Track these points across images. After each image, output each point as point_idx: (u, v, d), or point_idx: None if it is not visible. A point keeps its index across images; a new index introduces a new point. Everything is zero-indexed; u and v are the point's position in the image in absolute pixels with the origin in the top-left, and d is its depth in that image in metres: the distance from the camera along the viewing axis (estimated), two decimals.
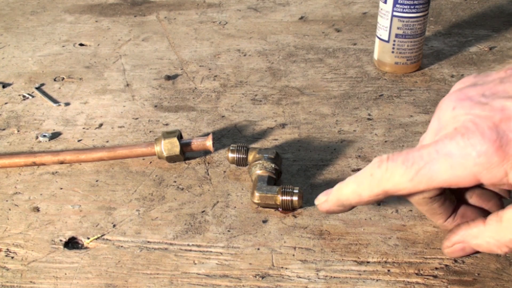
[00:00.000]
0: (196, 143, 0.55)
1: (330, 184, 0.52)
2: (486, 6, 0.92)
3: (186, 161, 0.56)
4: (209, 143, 0.55)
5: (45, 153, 0.55)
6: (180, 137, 0.55)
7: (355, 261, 0.44)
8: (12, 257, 0.45)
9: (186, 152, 0.56)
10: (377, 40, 0.71)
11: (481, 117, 0.35)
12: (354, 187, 0.41)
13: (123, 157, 0.55)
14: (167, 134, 0.55)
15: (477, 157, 0.34)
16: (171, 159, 0.55)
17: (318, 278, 0.43)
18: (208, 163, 0.56)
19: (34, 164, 0.55)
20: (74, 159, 0.55)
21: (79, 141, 0.59)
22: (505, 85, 0.36)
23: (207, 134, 0.57)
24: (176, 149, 0.54)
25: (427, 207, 0.41)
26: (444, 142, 0.36)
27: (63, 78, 0.72)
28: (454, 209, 0.42)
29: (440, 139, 0.37)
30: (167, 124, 0.62)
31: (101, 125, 0.62)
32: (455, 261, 0.44)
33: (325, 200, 0.43)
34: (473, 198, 0.42)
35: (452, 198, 0.41)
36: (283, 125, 0.61)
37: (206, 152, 0.57)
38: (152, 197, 0.51)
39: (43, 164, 0.55)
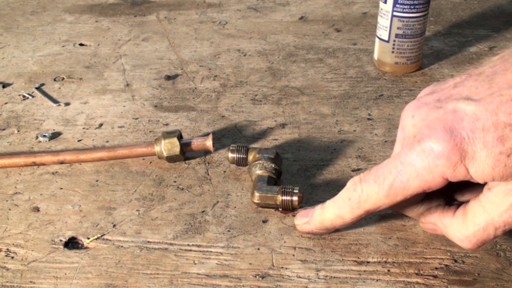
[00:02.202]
0: (196, 143, 0.55)
1: (330, 184, 0.52)
2: (486, 6, 0.92)
3: (186, 161, 0.56)
4: (209, 143, 0.55)
5: (45, 153, 0.55)
6: (180, 137, 0.55)
7: (355, 261, 0.44)
8: (12, 257, 0.45)
9: (186, 152, 0.56)
10: (377, 40, 0.71)
11: (435, 120, 0.37)
12: (336, 211, 0.43)
13: (123, 157, 0.55)
14: (167, 134, 0.55)
15: (436, 158, 0.36)
16: (171, 159, 0.55)
17: (318, 278, 0.43)
18: (208, 163, 0.56)
19: (34, 164, 0.55)
20: (74, 159, 0.55)
21: (79, 141, 0.59)
22: (458, 88, 0.38)
23: (207, 134, 0.57)
24: (176, 149, 0.54)
25: (415, 210, 0.43)
26: (406, 152, 0.38)
27: (63, 78, 0.72)
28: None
29: (402, 150, 0.39)
30: (167, 124, 0.62)
31: (101, 125, 0.62)
32: (455, 261, 0.44)
33: (306, 222, 0.46)
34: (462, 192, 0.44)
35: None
36: (283, 125, 0.61)
37: (206, 152, 0.57)
38: (152, 197, 0.51)
39: (43, 164, 0.55)
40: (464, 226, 0.39)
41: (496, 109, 0.35)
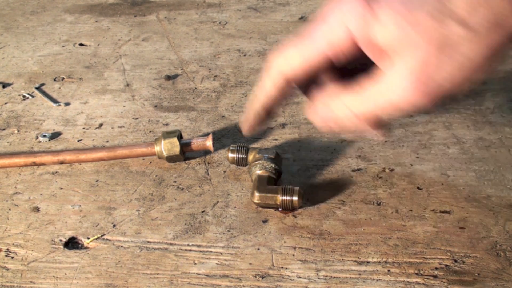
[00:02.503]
0: (196, 143, 0.55)
1: (330, 184, 0.52)
2: None
3: (186, 161, 0.56)
4: (209, 143, 0.55)
5: (45, 153, 0.55)
6: (180, 137, 0.55)
7: (355, 261, 0.44)
8: (12, 257, 0.45)
9: (186, 152, 0.56)
10: None
11: None
12: (261, 89, 0.45)
13: (123, 157, 0.55)
14: (167, 134, 0.55)
15: (343, 4, 0.38)
16: (171, 159, 0.55)
17: (318, 278, 0.43)
18: (208, 163, 0.56)
19: (34, 164, 0.55)
20: (74, 159, 0.55)
21: (79, 141, 0.59)
22: None
23: (207, 134, 0.57)
24: (176, 149, 0.54)
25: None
26: (323, 11, 0.39)
27: (63, 78, 0.72)
28: None
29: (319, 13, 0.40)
30: (167, 124, 0.62)
31: (101, 125, 0.62)
32: (455, 261, 0.44)
33: (244, 121, 0.46)
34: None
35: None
36: (283, 125, 0.61)
37: (206, 152, 0.57)
38: (152, 197, 0.51)
39: (43, 164, 0.55)
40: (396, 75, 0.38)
41: None
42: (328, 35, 0.38)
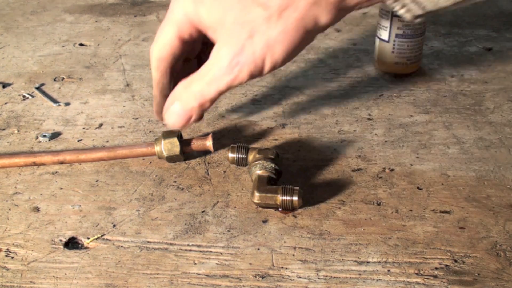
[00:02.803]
0: (196, 143, 0.55)
1: (330, 184, 0.52)
2: (486, 6, 0.92)
3: (186, 161, 0.56)
4: (209, 143, 0.55)
5: (45, 153, 0.55)
6: (180, 137, 0.55)
7: (355, 261, 0.44)
8: (12, 257, 0.45)
9: (186, 152, 0.56)
10: (377, 40, 0.71)
11: None
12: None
13: (123, 157, 0.55)
14: (167, 134, 0.55)
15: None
16: (171, 159, 0.55)
17: (318, 278, 0.43)
18: (208, 163, 0.56)
19: (34, 164, 0.55)
20: (74, 159, 0.55)
21: (79, 141, 0.59)
22: None
23: (207, 134, 0.57)
24: (176, 149, 0.54)
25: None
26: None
27: (63, 78, 0.72)
28: None
29: None
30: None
31: (101, 125, 0.62)
32: (455, 261, 0.44)
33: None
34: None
35: None
36: (283, 125, 0.62)
37: (206, 152, 0.57)
38: (152, 197, 0.51)
39: (43, 164, 0.55)
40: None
41: None
42: (174, 19, 0.46)
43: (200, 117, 0.50)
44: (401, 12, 0.43)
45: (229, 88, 0.46)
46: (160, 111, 0.53)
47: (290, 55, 0.44)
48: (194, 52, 0.52)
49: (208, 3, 0.44)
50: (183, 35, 0.47)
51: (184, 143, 0.55)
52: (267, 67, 0.44)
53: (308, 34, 0.44)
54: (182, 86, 0.49)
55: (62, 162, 0.55)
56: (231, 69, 0.44)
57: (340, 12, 0.44)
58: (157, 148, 0.54)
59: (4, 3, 0.97)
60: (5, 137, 0.60)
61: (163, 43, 0.48)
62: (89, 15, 0.91)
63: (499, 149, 0.57)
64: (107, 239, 0.47)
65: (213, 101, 0.48)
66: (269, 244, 0.46)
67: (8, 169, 0.55)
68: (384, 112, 0.64)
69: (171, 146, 0.54)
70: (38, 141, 0.59)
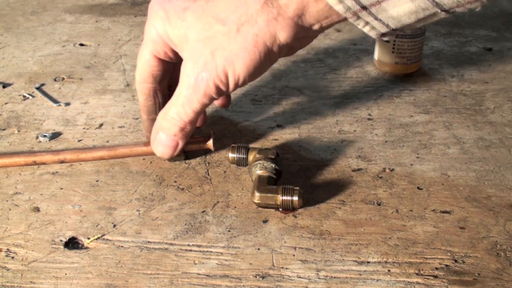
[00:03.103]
0: (197, 143, 0.55)
1: (330, 184, 0.52)
2: (486, 6, 0.92)
3: (186, 161, 0.56)
4: (209, 142, 0.55)
5: (46, 152, 0.55)
6: None
7: (355, 261, 0.44)
8: (12, 257, 0.45)
9: (187, 151, 0.56)
10: (377, 40, 0.71)
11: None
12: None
13: (123, 156, 0.55)
14: None
15: (153, 14, 0.47)
16: (171, 158, 0.55)
17: (319, 278, 0.43)
18: (208, 163, 0.56)
19: (35, 163, 0.55)
20: (74, 159, 0.55)
21: (79, 141, 0.59)
22: None
23: (207, 134, 0.57)
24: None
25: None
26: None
27: (63, 78, 0.72)
28: None
29: None
30: None
31: (101, 125, 0.62)
32: (455, 261, 0.44)
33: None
34: None
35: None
36: (283, 125, 0.62)
37: (206, 152, 0.57)
38: (152, 197, 0.51)
39: (44, 164, 0.55)
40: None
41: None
42: (148, 39, 0.48)
43: (187, 140, 0.51)
44: (365, 30, 0.42)
45: (203, 106, 0.48)
46: (149, 135, 0.54)
47: (252, 72, 0.45)
48: (176, 77, 0.51)
49: (173, 21, 0.46)
50: (158, 54, 0.49)
51: (186, 144, 0.55)
52: (230, 83, 0.45)
53: (269, 51, 0.44)
54: (161, 115, 0.50)
55: (62, 162, 0.55)
56: (198, 85, 0.46)
57: (300, 30, 0.44)
58: None
59: (4, 3, 0.97)
60: (5, 137, 0.60)
61: (142, 64, 0.50)
62: (89, 15, 0.91)
63: (499, 149, 0.57)
64: (107, 239, 0.47)
65: (192, 122, 0.50)
66: (269, 244, 0.46)
67: (8, 169, 0.55)
68: (384, 112, 0.64)
69: None
70: (38, 141, 0.59)
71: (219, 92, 0.46)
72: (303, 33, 0.45)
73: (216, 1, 0.44)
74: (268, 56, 0.45)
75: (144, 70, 0.50)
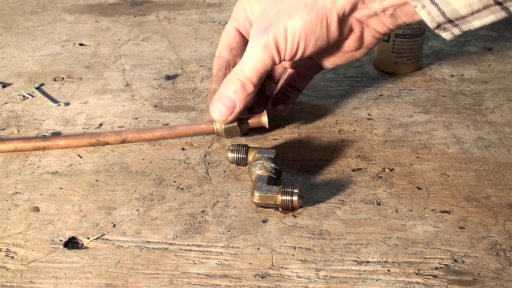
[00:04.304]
0: (253, 120, 0.56)
1: (330, 184, 0.52)
2: None
3: (186, 161, 0.56)
4: (265, 118, 0.56)
5: (108, 132, 0.57)
6: None
7: (355, 261, 0.44)
8: (12, 257, 0.45)
9: (242, 128, 0.56)
10: None
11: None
12: None
13: (183, 135, 0.57)
14: None
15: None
16: (228, 131, 0.55)
17: (318, 278, 0.43)
18: (208, 163, 0.56)
19: (98, 142, 0.57)
20: (136, 138, 0.57)
21: None
22: None
23: (261, 111, 0.57)
24: (234, 124, 0.54)
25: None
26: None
27: (63, 78, 0.72)
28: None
29: None
30: (167, 124, 0.62)
31: (101, 125, 0.62)
32: (455, 261, 0.44)
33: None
34: None
35: None
36: (283, 125, 0.61)
37: (206, 152, 0.57)
38: (152, 197, 0.51)
39: (107, 143, 0.57)
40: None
41: None
42: (234, 15, 0.56)
43: (245, 106, 0.53)
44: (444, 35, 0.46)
45: (264, 65, 0.50)
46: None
47: (308, 31, 0.48)
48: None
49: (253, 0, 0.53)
50: (239, 25, 0.56)
51: (241, 120, 0.55)
52: (289, 39, 0.48)
53: (326, 14, 0.47)
54: (226, 77, 0.53)
55: (124, 141, 0.57)
56: (260, 39, 0.49)
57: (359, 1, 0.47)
58: (216, 125, 0.55)
59: (4, 3, 0.97)
60: (5, 137, 0.60)
61: (222, 37, 0.57)
62: (89, 15, 0.91)
63: (499, 149, 0.57)
64: (107, 239, 0.47)
65: (254, 84, 0.51)
66: (269, 244, 0.46)
67: (8, 169, 0.55)
68: (384, 112, 0.64)
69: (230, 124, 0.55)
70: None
71: (278, 50, 0.49)
72: (364, 9, 0.47)
73: None
74: (325, 20, 0.47)
75: (223, 41, 0.56)
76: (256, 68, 0.50)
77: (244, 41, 0.56)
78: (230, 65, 0.56)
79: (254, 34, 0.50)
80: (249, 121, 0.56)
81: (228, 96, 0.52)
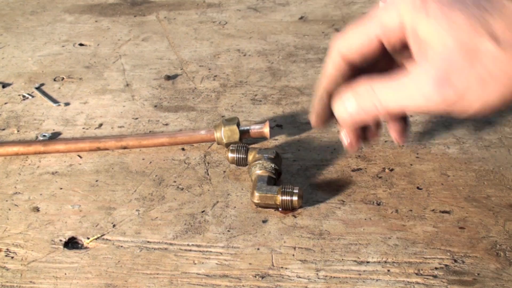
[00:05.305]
0: (254, 130, 0.57)
1: (330, 184, 0.52)
2: None
3: (186, 161, 0.56)
4: (266, 130, 0.57)
5: (109, 138, 0.57)
6: (238, 125, 0.57)
7: (355, 261, 0.44)
8: (12, 257, 0.45)
9: (244, 139, 0.57)
10: None
11: None
12: (322, 72, 0.46)
13: (183, 142, 0.57)
14: (227, 122, 0.56)
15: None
16: (229, 145, 0.55)
17: (318, 278, 0.43)
18: (208, 163, 0.56)
19: (99, 149, 0.57)
20: (136, 145, 0.57)
21: None
22: None
23: (263, 121, 0.57)
24: (236, 136, 0.56)
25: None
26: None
27: (63, 78, 0.72)
28: None
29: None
30: (167, 124, 0.62)
31: (101, 125, 0.62)
32: (455, 261, 0.44)
33: (311, 110, 0.47)
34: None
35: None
36: (283, 125, 0.61)
37: (206, 152, 0.57)
38: (152, 197, 0.51)
39: (107, 149, 0.57)
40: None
41: None
42: (385, 20, 0.41)
43: (375, 125, 0.48)
44: None
45: (419, 111, 0.41)
46: (321, 115, 0.47)
47: (504, 99, 0.38)
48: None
49: (433, 16, 0.38)
50: (385, 39, 0.42)
51: (243, 130, 0.56)
52: (474, 105, 0.39)
53: None
54: (367, 84, 0.43)
55: (125, 147, 0.57)
56: (432, 91, 0.39)
57: None
58: (217, 135, 0.56)
59: (4, 3, 0.97)
60: (5, 137, 0.60)
61: (356, 39, 0.43)
62: (89, 15, 0.91)
63: (499, 149, 0.57)
64: (107, 239, 0.47)
65: (392, 115, 0.46)
66: (269, 244, 0.46)
67: (8, 169, 0.55)
68: None
69: (231, 133, 0.56)
70: (38, 141, 0.59)
71: (449, 106, 0.39)
72: None
73: (492, 9, 0.37)
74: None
75: (356, 46, 0.43)
76: (403, 108, 0.41)
77: (381, 52, 0.43)
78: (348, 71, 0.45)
79: (427, 77, 0.39)
80: (251, 131, 0.57)
81: (362, 107, 0.44)
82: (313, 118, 0.48)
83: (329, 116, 0.47)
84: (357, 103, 0.43)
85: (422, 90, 0.39)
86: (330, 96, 0.46)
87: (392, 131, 0.50)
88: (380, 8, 0.42)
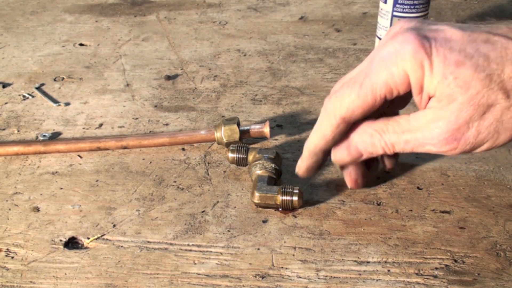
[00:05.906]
0: (254, 130, 0.57)
1: (330, 184, 0.52)
2: (486, 6, 0.92)
3: (186, 161, 0.56)
4: (266, 129, 0.56)
5: (109, 138, 0.57)
6: (239, 125, 0.57)
7: (355, 261, 0.44)
8: (12, 257, 0.45)
9: (244, 138, 0.57)
10: (377, 40, 0.71)
11: (411, 28, 0.40)
12: (317, 130, 0.46)
13: (183, 142, 0.57)
14: (227, 121, 0.56)
15: (403, 49, 0.39)
16: (229, 145, 0.56)
17: (318, 278, 0.43)
18: (208, 163, 0.56)
19: (99, 149, 0.57)
20: (136, 145, 0.57)
21: None
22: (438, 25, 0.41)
23: (264, 121, 0.57)
24: (236, 136, 0.56)
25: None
26: (378, 50, 0.41)
27: (63, 78, 0.72)
28: None
29: (374, 51, 0.43)
30: (167, 124, 0.62)
31: (101, 125, 0.62)
32: (455, 261, 0.44)
33: (300, 162, 0.48)
34: None
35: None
36: (283, 125, 0.62)
37: (206, 152, 0.57)
38: (152, 197, 0.51)
39: (107, 149, 0.57)
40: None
41: (472, 40, 0.39)
42: (389, 80, 0.40)
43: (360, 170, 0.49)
44: None
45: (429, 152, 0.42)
46: (313, 169, 0.49)
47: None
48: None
49: (437, 70, 0.39)
50: (389, 95, 0.41)
51: (243, 130, 0.57)
52: (481, 149, 0.41)
53: None
54: (375, 131, 0.43)
55: (125, 147, 0.57)
56: (442, 141, 0.40)
57: None
58: (217, 134, 0.56)
59: (4, 3, 0.97)
60: (5, 137, 0.60)
61: (359, 102, 0.42)
62: (89, 15, 0.91)
63: (499, 149, 0.57)
64: (107, 239, 0.47)
65: (396, 154, 0.47)
66: (269, 244, 0.46)
67: (8, 169, 0.55)
68: None
69: (231, 133, 0.56)
70: (38, 141, 0.59)
71: (455, 155, 0.42)
72: None
73: (501, 64, 0.38)
74: None
75: (357, 111, 0.42)
76: (408, 150, 0.42)
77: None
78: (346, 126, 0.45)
79: (437, 126, 0.40)
80: (251, 131, 0.57)
81: (355, 150, 0.45)
82: (302, 170, 0.49)
83: (320, 168, 0.49)
84: (361, 140, 0.44)
85: (433, 141, 0.41)
86: (325, 153, 0.47)
87: (385, 159, 0.52)
88: (379, 64, 0.41)
